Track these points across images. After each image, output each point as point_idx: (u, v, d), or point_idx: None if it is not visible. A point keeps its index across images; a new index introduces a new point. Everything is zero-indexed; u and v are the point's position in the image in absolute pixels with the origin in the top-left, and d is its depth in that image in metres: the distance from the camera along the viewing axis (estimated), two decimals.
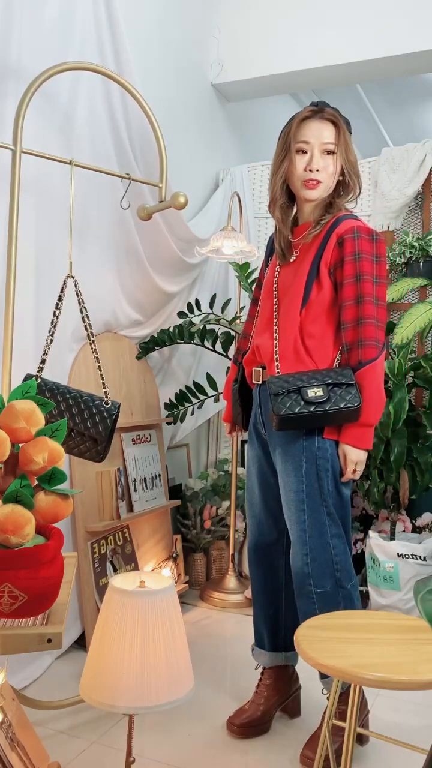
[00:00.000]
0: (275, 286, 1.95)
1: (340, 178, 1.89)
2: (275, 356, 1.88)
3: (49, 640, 1.18)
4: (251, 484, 2.06)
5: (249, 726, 1.96)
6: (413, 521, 3.04)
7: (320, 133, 1.84)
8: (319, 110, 1.87)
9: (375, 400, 1.78)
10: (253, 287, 2.17)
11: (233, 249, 2.93)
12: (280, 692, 2.03)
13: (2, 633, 1.18)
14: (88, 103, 2.48)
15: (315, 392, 1.76)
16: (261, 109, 4.21)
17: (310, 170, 1.84)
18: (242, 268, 3.14)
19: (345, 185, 1.90)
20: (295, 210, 2.00)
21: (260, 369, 1.96)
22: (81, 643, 2.50)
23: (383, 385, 1.82)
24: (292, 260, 1.93)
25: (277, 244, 1.97)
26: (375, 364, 1.78)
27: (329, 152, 1.85)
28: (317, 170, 1.84)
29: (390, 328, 2.95)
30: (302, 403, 1.76)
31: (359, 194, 1.93)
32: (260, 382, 1.96)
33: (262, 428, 1.97)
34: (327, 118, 1.85)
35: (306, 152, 1.85)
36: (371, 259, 1.81)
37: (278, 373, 1.86)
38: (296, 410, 1.76)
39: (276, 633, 2.05)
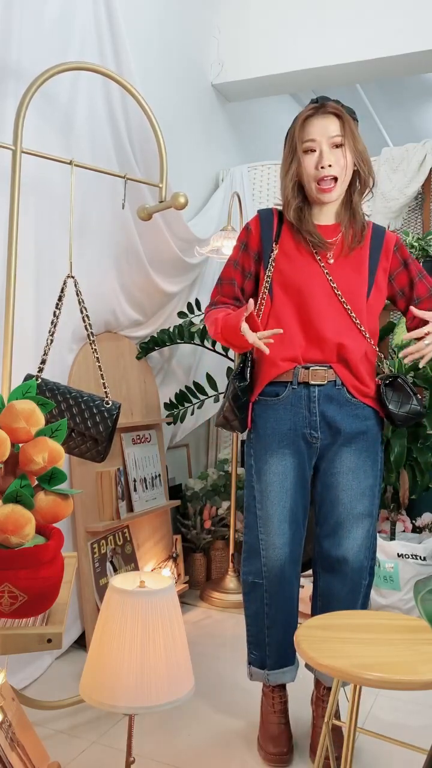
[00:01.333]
0: (333, 283, 1.84)
1: (354, 168, 1.83)
2: (365, 355, 1.86)
3: (49, 640, 1.18)
4: (281, 498, 1.86)
5: (291, 750, 1.87)
6: (413, 521, 3.04)
7: (325, 129, 1.78)
8: (320, 106, 1.81)
9: None
10: (233, 268, 1.95)
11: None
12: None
13: (2, 633, 1.18)
14: (88, 103, 2.48)
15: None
16: (261, 109, 4.21)
17: (321, 167, 1.78)
18: None
19: (360, 177, 1.86)
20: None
21: (325, 368, 1.83)
22: (81, 643, 2.50)
23: None
24: (331, 261, 1.86)
25: (310, 239, 1.85)
26: None
27: (338, 145, 1.79)
28: (329, 165, 1.78)
29: (390, 328, 2.95)
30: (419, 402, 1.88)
31: (374, 185, 1.89)
32: (324, 383, 1.83)
33: (317, 431, 1.84)
34: (330, 111, 1.80)
35: (314, 150, 1.79)
36: (416, 260, 1.95)
37: (356, 371, 1.85)
38: (420, 408, 1.87)
39: (292, 646, 1.93)
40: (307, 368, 1.83)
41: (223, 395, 2.03)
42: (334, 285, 1.84)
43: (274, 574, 1.88)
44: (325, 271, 1.85)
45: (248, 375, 1.90)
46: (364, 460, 1.87)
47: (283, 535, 1.87)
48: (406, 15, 3.18)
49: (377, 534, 2.85)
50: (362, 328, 1.85)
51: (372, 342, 1.87)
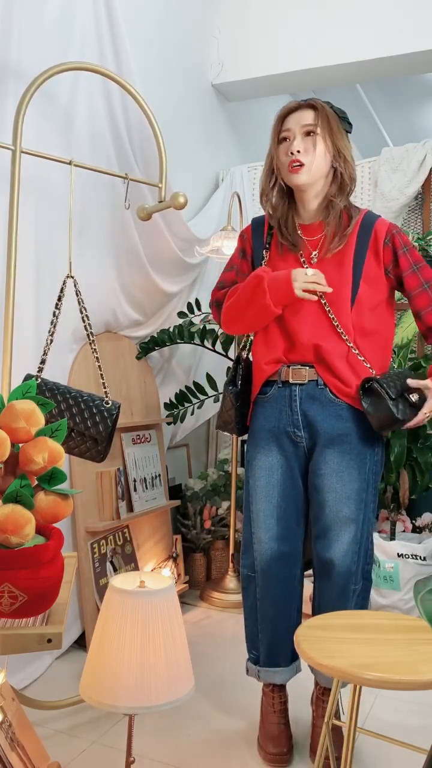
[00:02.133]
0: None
1: (334, 166, 1.83)
2: (346, 355, 1.83)
3: (49, 640, 1.18)
4: (267, 494, 1.90)
5: (291, 749, 1.88)
6: (413, 521, 3.04)
7: (300, 118, 1.82)
8: (303, 100, 1.86)
9: None
10: (234, 273, 1.99)
11: (233, 249, 2.93)
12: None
13: (2, 633, 1.18)
14: (88, 103, 2.48)
15: (415, 397, 1.82)
16: (261, 109, 4.21)
17: (291, 153, 1.81)
18: None
19: (335, 174, 1.84)
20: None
21: (306, 367, 1.85)
22: (81, 643, 2.51)
23: None
24: (314, 261, 1.86)
25: (285, 240, 1.88)
26: None
27: (309, 133, 1.81)
28: (297, 151, 1.80)
29: None
30: (408, 406, 1.81)
31: (352, 188, 1.87)
32: (305, 382, 1.85)
33: (300, 431, 1.86)
34: (307, 105, 1.83)
35: (288, 139, 1.84)
36: (414, 249, 1.86)
37: (336, 371, 1.83)
38: (408, 415, 1.80)
39: (292, 645, 1.94)
40: (290, 367, 1.87)
41: (221, 397, 2.05)
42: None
43: (262, 569, 1.91)
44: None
45: (238, 382, 1.97)
46: (348, 462, 1.82)
47: (269, 530, 1.89)
48: (406, 15, 3.18)
49: (377, 534, 2.86)
50: (340, 330, 1.81)
51: (349, 341, 1.82)
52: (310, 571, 2.00)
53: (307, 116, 1.82)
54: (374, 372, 1.84)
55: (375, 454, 1.88)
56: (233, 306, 1.91)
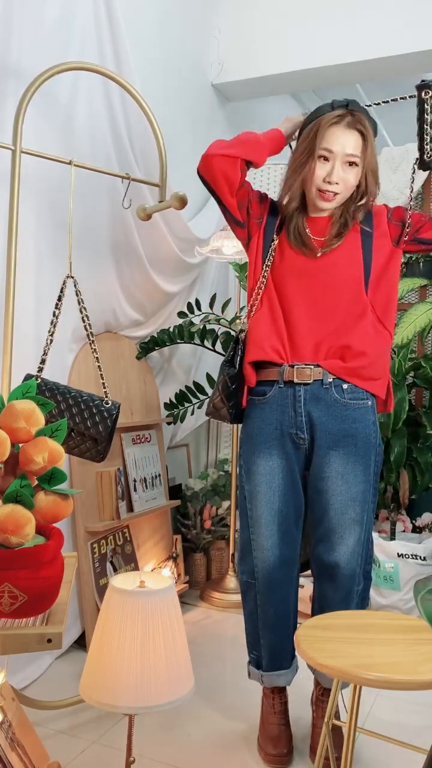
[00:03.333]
0: (320, 278, 1.85)
1: (361, 185, 1.84)
2: (357, 350, 1.82)
3: (49, 640, 1.18)
4: (269, 499, 1.85)
5: (291, 751, 1.88)
6: (413, 521, 3.04)
7: (345, 143, 1.75)
8: (348, 114, 1.77)
9: None
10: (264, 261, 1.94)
11: (233, 249, 2.93)
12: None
13: (2, 633, 1.18)
14: (88, 103, 2.48)
15: None
16: (261, 109, 4.21)
17: (328, 182, 1.77)
18: (242, 268, 3.14)
19: (359, 188, 1.84)
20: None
21: (311, 367, 1.82)
22: (81, 643, 2.50)
23: None
24: (319, 255, 1.84)
25: (293, 237, 1.86)
26: None
27: (351, 164, 1.78)
28: (336, 183, 1.77)
29: None
30: None
31: (375, 196, 1.91)
32: (310, 381, 1.81)
33: (303, 432, 1.83)
34: (355, 127, 1.77)
35: (328, 160, 1.77)
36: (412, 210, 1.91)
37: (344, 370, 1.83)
38: None
39: (292, 650, 1.94)
40: (293, 367, 1.82)
41: (216, 380, 1.99)
42: (323, 280, 1.83)
43: (264, 576, 1.88)
44: (314, 265, 1.84)
45: (237, 363, 1.89)
46: (353, 464, 1.80)
47: (272, 536, 1.86)
48: (406, 15, 3.18)
49: (377, 534, 2.86)
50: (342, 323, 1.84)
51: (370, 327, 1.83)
52: (309, 572, 2.00)
53: (353, 143, 1.76)
54: (387, 339, 1.87)
55: (377, 454, 1.88)
56: (230, 146, 1.88)
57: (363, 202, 1.87)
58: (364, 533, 1.84)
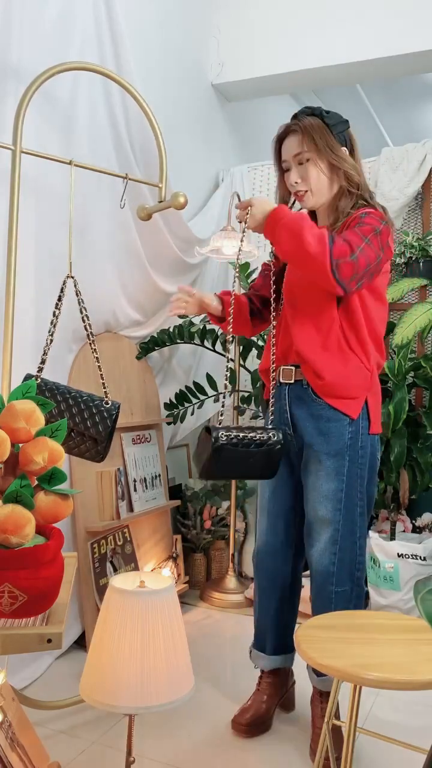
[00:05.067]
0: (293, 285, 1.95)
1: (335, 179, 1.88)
2: (327, 350, 1.85)
3: (49, 640, 1.18)
4: (262, 487, 2.04)
5: (255, 724, 1.97)
6: (413, 521, 3.04)
7: (290, 147, 1.88)
8: (289, 124, 1.89)
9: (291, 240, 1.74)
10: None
11: (233, 249, 2.92)
12: (280, 689, 2.06)
13: (2, 633, 1.18)
14: (88, 103, 2.48)
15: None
16: (261, 109, 4.21)
17: (293, 185, 1.89)
18: (242, 268, 3.14)
19: (342, 188, 1.88)
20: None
21: (293, 368, 1.91)
22: (81, 643, 2.50)
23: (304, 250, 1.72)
24: None
25: None
26: (319, 254, 1.70)
27: (303, 161, 1.86)
28: (296, 183, 1.88)
29: (390, 328, 2.95)
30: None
31: (359, 190, 1.87)
32: (292, 381, 1.92)
33: (288, 428, 1.93)
34: (293, 129, 1.87)
35: (289, 170, 1.91)
36: (371, 227, 1.77)
37: (315, 372, 1.86)
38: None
39: (279, 636, 2.04)
40: (282, 367, 1.94)
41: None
42: (300, 283, 1.90)
43: (258, 559, 2.05)
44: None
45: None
46: (325, 462, 1.85)
47: (262, 523, 2.03)
48: (406, 15, 3.18)
49: (377, 534, 2.86)
50: (323, 326, 1.82)
51: (333, 337, 1.82)
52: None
53: (294, 144, 1.86)
54: (365, 363, 1.84)
55: (358, 455, 1.86)
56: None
57: (354, 194, 1.87)
58: (339, 533, 1.85)
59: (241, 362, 3.18)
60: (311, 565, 1.92)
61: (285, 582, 2.02)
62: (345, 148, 1.88)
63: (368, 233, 1.76)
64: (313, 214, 1.99)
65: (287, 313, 1.93)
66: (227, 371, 1.95)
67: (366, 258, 1.73)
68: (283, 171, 1.94)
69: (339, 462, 1.84)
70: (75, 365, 2.56)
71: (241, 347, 3.15)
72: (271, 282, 1.97)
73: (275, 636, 2.04)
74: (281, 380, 1.94)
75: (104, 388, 2.06)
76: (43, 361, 1.99)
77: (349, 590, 1.88)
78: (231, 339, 1.98)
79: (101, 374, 2.06)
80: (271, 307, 1.99)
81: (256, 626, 2.08)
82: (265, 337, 2.07)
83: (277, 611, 2.03)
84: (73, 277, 2.02)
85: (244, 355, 3.18)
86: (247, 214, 1.82)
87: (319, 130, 1.84)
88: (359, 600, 1.92)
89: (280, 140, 1.92)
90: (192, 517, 3.24)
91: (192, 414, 3.23)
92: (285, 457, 1.95)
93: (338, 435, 1.84)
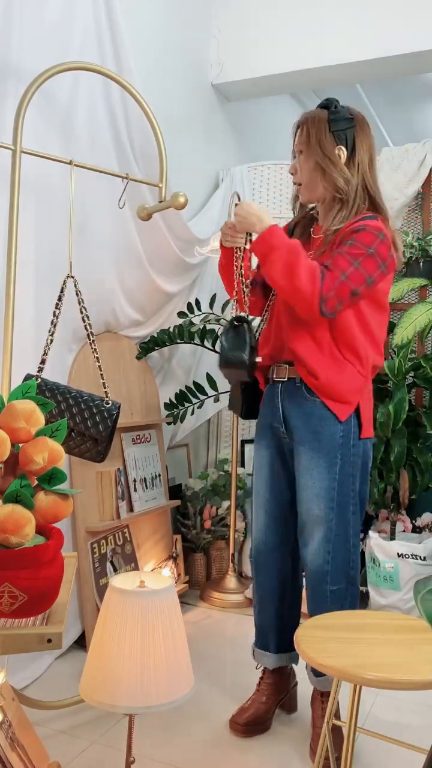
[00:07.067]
0: None
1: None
2: (321, 350, 1.86)
3: (49, 640, 1.18)
4: (258, 485, 2.03)
5: (253, 724, 1.97)
6: (413, 521, 3.04)
7: (297, 137, 1.91)
8: (304, 113, 1.93)
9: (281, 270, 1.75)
10: None
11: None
12: (281, 690, 2.05)
13: (2, 633, 1.18)
14: (88, 103, 2.48)
15: None
16: (261, 109, 4.21)
17: (292, 174, 1.94)
18: None
19: (334, 188, 1.85)
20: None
21: (286, 365, 1.92)
22: (81, 643, 2.50)
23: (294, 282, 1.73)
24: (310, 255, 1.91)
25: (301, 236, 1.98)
26: (306, 286, 1.71)
27: (299, 153, 1.90)
28: (292, 173, 1.93)
29: (390, 328, 2.95)
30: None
31: (348, 189, 1.83)
32: (285, 379, 1.92)
33: (281, 426, 1.94)
34: (301, 119, 1.91)
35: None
36: (364, 248, 1.74)
37: (308, 370, 1.87)
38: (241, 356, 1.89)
39: (281, 635, 2.04)
40: (276, 365, 1.95)
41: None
42: None
43: (254, 556, 2.06)
44: None
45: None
46: (317, 460, 1.85)
47: (257, 521, 2.04)
48: (406, 15, 3.18)
49: (377, 534, 2.86)
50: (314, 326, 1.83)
51: (325, 337, 1.82)
52: None
53: (297, 136, 1.90)
54: (359, 370, 1.84)
55: (350, 454, 1.86)
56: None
57: (343, 194, 1.84)
58: (333, 532, 1.85)
59: None
60: (305, 565, 1.92)
61: (284, 579, 2.02)
62: (342, 148, 1.84)
63: (359, 255, 1.73)
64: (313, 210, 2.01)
65: (281, 311, 1.92)
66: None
67: (351, 283, 1.73)
68: None
69: (331, 460, 1.84)
70: (75, 365, 2.56)
71: None
72: (259, 287, 2.02)
73: (277, 633, 2.03)
74: (275, 378, 1.95)
75: (104, 388, 2.06)
76: (43, 361, 1.99)
77: (344, 589, 1.89)
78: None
79: (101, 374, 2.06)
80: (264, 309, 2.03)
81: (257, 625, 2.08)
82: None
83: (278, 609, 2.03)
84: (73, 277, 2.02)
85: None
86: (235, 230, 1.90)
87: (317, 124, 1.85)
88: (354, 599, 1.92)
89: (295, 128, 1.93)
90: (192, 517, 3.24)
91: (192, 414, 3.23)
92: (279, 455, 1.98)
93: (330, 434, 1.84)
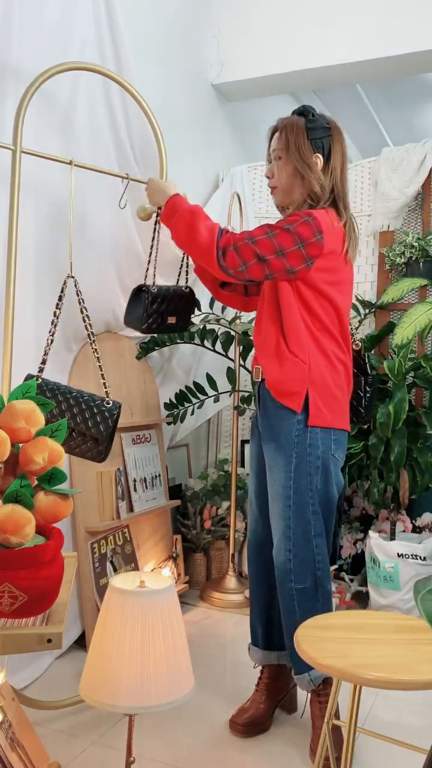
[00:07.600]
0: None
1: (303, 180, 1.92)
2: (274, 353, 1.95)
3: (49, 640, 1.18)
4: (250, 479, 2.10)
5: (252, 725, 1.97)
6: (413, 521, 3.04)
7: (272, 142, 1.96)
8: (279, 119, 1.95)
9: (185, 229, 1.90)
10: None
11: None
12: (280, 690, 2.05)
13: (2, 633, 1.18)
14: (88, 103, 2.48)
15: None
16: (261, 109, 4.21)
17: (266, 178, 1.99)
18: None
19: (310, 192, 1.91)
20: None
21: (259, 366, 2.01)
22: (81, 643, 2.50)
23: (195, 242, 1.87)
24: None
25: None
26: (206, 241, 1.84)
27: (276, 159, 1.93)
28: (268, 177, 1.97)
29: (390, 328, 2.95)
30: None
31: (323, 194, 1.88)
32: (259, 380, 1.99)
33: (259, 425, 2.01)
34: (277, 125, 1.94)
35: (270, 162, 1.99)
36: (282, 224, 1.83)
37: (267, 370, 1.96)
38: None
39: (269, 631, 2.06)
40: (256, 367, 2.01)
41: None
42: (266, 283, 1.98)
43: (250, 553, 2.10)
44: None
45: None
46: (276, 458, 1.90)
47: (250, 514, 2.10)
48: (406, 15, 3.18)
49: (377, 534, 2.86)
50: (269, 326, 1.91)
51: (277, 336, 1.89)
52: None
53: (274, 139, 1.95)
54: (300, 357, 1.85)
55: (306, 453, 1.87)
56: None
57: (318, 197, 1.89)
58: (292, 531, 1.87)
59: (241, 362, 3.18)
60: (274, 558, 1.95)
61: (272, 572, 2.00)
62: (319, 155, 1.89)
63: (276, 228, 1.82)
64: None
65: (261, 314, 2.00)
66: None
67: (258, 248, 1.80)
68: None
69: (286, 459, 1.88)
70: (75, 365, 2.56)
71: (241, 347, 3.16)
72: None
73: (264, 628, 2.06)
74: (255, 379, 2.02)
75: (105, 388, 2.07)
76: (43, 361, 1.99)
77: (310, 588, 1.88)
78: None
79: (101, 374, 2.06)
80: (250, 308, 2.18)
81: (250, 620, 2.11)
82: None
83: (266, 604, 2.05)
84: (73, 277, 2.02)
85: (244, 354, 3.18)
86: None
87: (295, 131, 1.89)
88: (326, 600, 1.90)
89: (271, 133, 1.98)
90: (192, 517, 3.24)
91: (192, 414, 3.23)
92: (262, 452, 2.03)
93: (286, 432, 1.88)
